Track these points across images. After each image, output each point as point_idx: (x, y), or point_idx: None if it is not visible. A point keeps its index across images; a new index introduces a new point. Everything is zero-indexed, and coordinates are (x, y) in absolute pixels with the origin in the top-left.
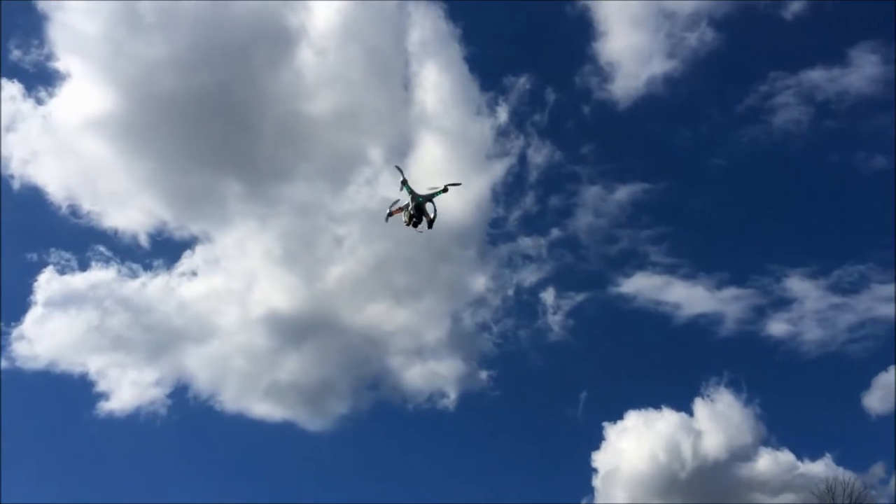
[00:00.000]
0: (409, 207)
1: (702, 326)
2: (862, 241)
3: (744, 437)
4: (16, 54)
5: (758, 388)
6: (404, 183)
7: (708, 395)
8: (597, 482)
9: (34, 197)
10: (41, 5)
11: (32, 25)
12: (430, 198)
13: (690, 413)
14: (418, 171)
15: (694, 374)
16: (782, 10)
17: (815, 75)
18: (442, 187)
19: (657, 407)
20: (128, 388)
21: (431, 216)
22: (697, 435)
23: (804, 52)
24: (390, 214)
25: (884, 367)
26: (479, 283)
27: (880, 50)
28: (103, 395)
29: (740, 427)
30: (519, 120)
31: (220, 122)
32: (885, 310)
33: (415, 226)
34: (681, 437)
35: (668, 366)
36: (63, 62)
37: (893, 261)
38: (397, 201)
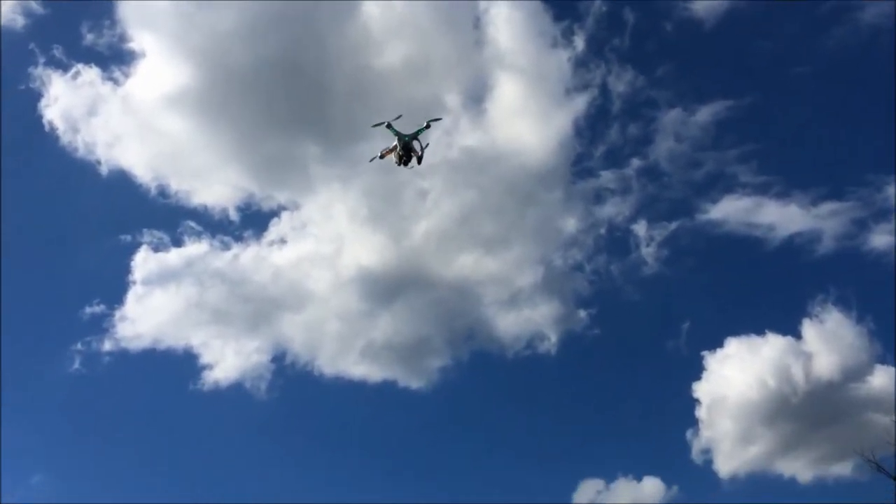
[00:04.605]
0: (398, 148)
1: (798, 246)
2: None
3: (857, 355)
4: (89, 38)
5: (869, 304)
6: (389, 126)
7: (816, 315)
8: (700, 413)
9: (122, 180)
10: None
11: (103, 6)
12: (415, 135)
13: (798, 336)
14: (497, 112)
15: (796, 295)
16: None
17: None
18: (425, 124)
19: (760, 332)
20: (231, 357)
21: (419, 152)
22: (807, 357)
23: None
24: (381, 157)
25: None
26: (569, 223)
27: None
28: (208, 366)
29: (853, 345)
30: (597, 47)
31: (293, 86)
32: None
33: (405, 164)
34: (790, 361)
35: (766, 289)
36: (137, 41)
37: None
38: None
